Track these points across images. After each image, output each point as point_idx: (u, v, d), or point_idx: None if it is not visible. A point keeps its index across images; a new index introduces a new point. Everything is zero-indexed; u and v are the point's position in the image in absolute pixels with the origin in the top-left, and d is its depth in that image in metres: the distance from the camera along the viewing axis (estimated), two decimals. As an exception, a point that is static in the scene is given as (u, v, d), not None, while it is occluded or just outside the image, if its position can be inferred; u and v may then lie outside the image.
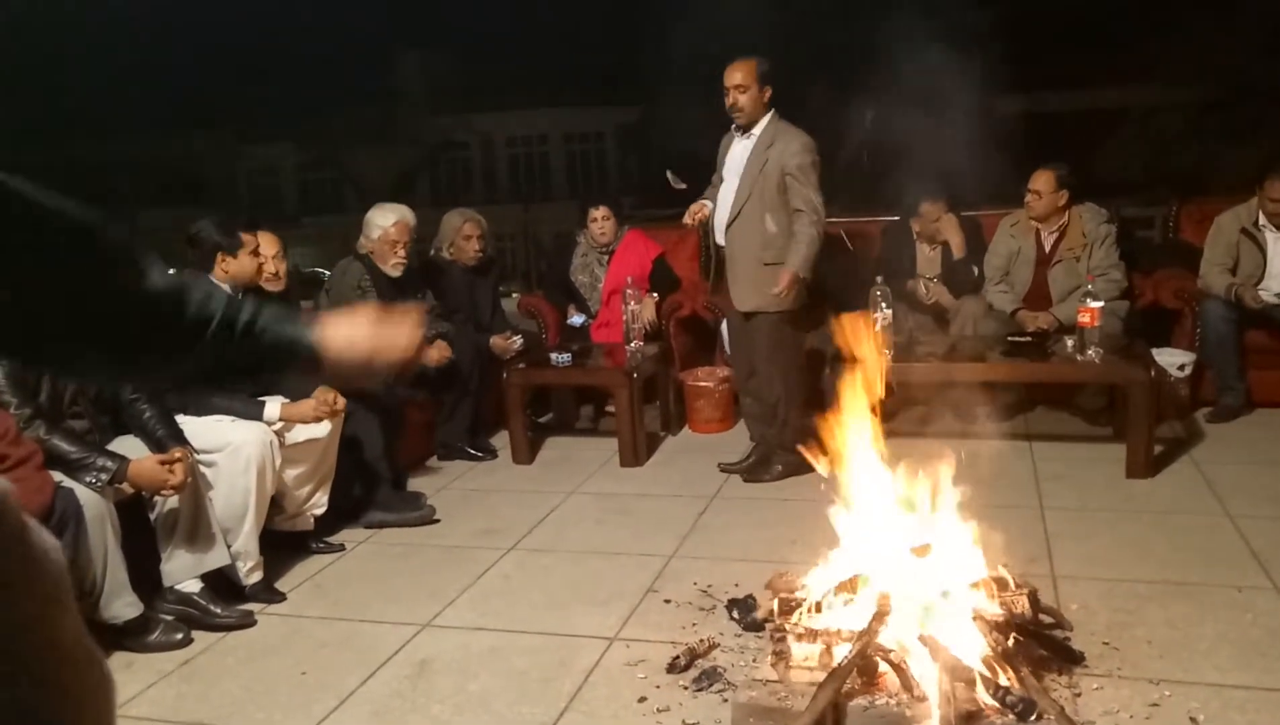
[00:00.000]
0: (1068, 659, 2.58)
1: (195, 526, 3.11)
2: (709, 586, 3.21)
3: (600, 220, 5.27)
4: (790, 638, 2.46)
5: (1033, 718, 2.20)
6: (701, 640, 2.77)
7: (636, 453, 4.59)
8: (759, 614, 2.86)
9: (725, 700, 2.49)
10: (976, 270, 4.93)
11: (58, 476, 2.77)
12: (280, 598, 3.33)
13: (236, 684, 2.79)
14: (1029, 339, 4.52)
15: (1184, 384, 4.75)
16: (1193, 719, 2.33)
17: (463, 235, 4.99)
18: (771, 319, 4.10)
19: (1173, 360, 4.73)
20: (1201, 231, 4.99)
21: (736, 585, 3.17)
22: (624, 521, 3.91)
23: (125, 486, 2.92)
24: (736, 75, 3.90)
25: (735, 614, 2.94)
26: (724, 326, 5.03)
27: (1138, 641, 2.70)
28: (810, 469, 4.09)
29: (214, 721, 2.60)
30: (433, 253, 5.06)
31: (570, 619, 3.06)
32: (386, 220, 4.46)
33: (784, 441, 4.13)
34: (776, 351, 4.13)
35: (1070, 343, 4.25)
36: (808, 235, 3.91)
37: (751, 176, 3.96)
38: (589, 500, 4.19)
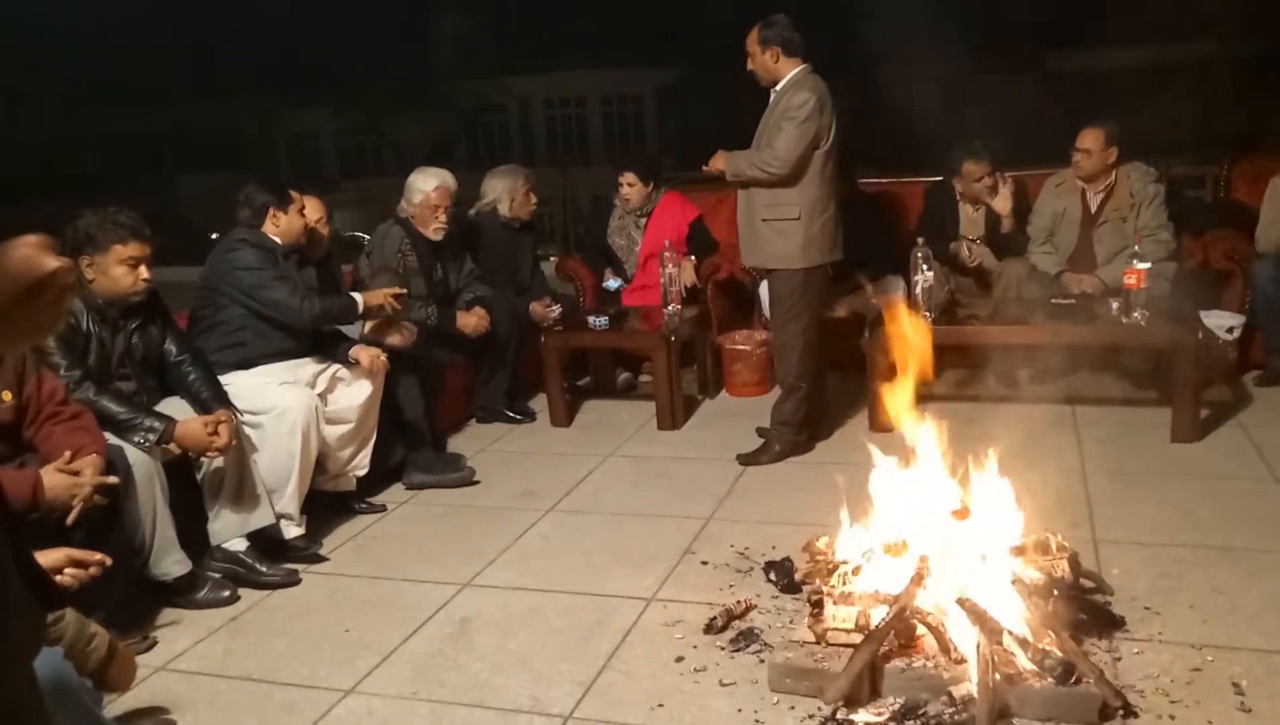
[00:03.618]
0: (1108, 623, 2.56)
1: (240, 487, 3.18)
2: (746, 548, 3.22)
3: (626, 186, 5.25)
4: (828, 600, 2.47)
5: (1072, 681, 2.20)
6: (738, 602, 2.79)
7: (674, 416, 4.60)
8: (796, 576, 2.87)
9: (762, 661, 2.51)
10: (1025, 238, 4.84)
11: (107, 436, 2.83)
12: (321, 558, 3.40)
13: (282, 640, 2.86)
14: (1073, 302, 4.44)
15: (1233, 347, 4.65)
16: (1235, 684, 2.31)
17: (522, 191, 5.03)
18: (784, 277, 3.97)
19: (1221, 323, 4.62)
20: (1254, 191, 4.85)
21: (774, 548, 3.17)
22: (661, 484, 3.93)
23: (172, 447, 2.98)
24: (747, 43, 3.90)
25: (772, 576, 2.95)
26: (762, 289, 4.99)
27: (1180, 606, 2.67)
28: (810, 448, 4.10)
29: (261, 676, 2.67)
30: (473, 213, 5.07)
31: (608, 580, 3.09)
32: (428, 185, 4.48)
33: (784, 416, 4.08)
34: (789, 315, 4.00)
35: (1116, 305, 4.17)
36: (756, 160, 3.82)
37: (760, 131, 3.94)
38: (626, 463, 4.21)
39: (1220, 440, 3.98)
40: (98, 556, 2.06)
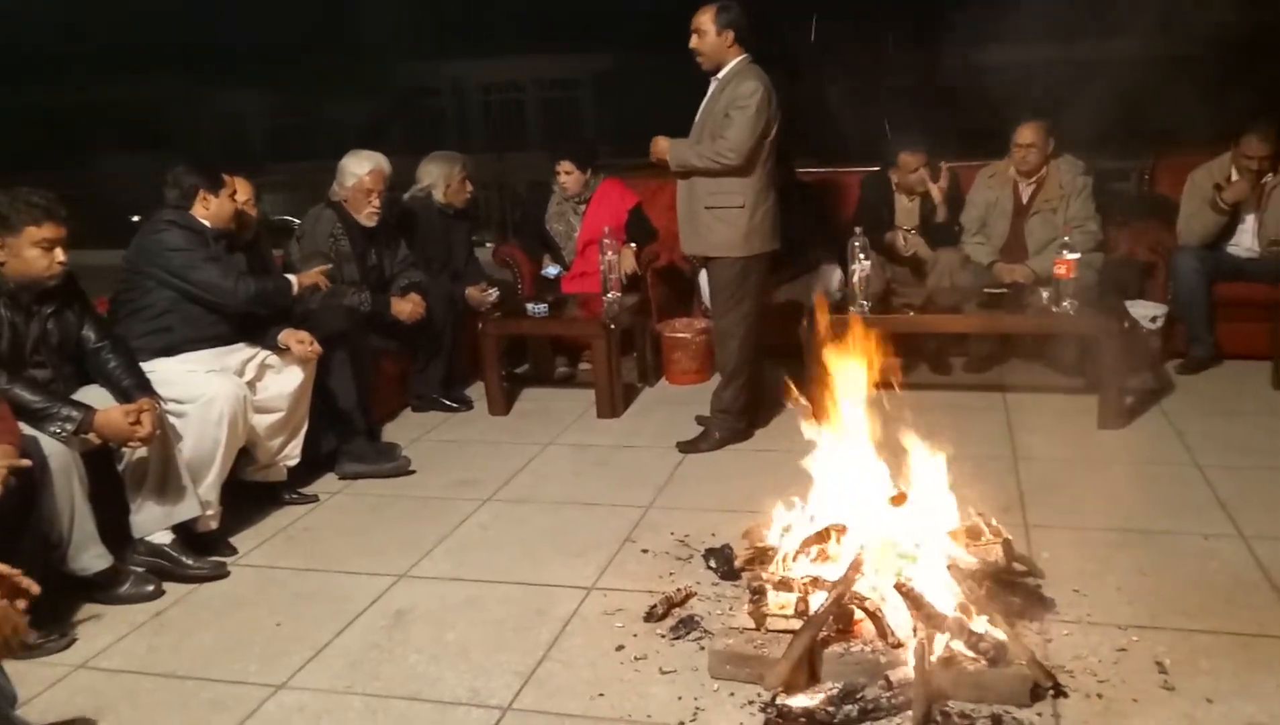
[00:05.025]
0: (1039, 606, 2.62)
1: (164, 477, 3.07)
2: (686, 536, 3.22)
3: (564, 174, 5.20)
4: (767, 586, 2.47)
5: (1004, 663, 2.24)
6: (679, 589, 2.79)
7: (614, 404, 4.58)
8: (736, 563, 2.88)
9: (702, 648, 2.51)
10: (958, 229, 4.93)
11: (22, 426, 2.71)
12: (233, 550, 3.30)
13: (210, 636, 2.78)
14: (1005, 291, 4.53)
15: (1156, 336, 4.79)
16: (1159, 663, 2.37)
17: (458, 179, 4.96)
18: (726, 265, 3.96)
19: (1145, 312, 4.75)
20: (1177, 185, 4.99)
21: (713, 535, 3.18)
22: (601, 472, 3.91)
23: (91, 437, 2.87)
24: (696, 20, 3.86)
25: (712, 563, 2.95)
26: (701, 277, 4.99)
27: (1107, 588, 2.74)
28: (749, 435, 4.12)
29: (187, 673, 2.59)
30: (407, 197, 4.98)
31: (547, 569, 3.07)
32: (361, 168, 4.37)
33: (724, 403, 4.09)
34: (730, 303, 3.99)
35: (1046, 294, 4.26)
36: (707, 152, 3.80)
37: (703, 118, 3.91)
38: (566, 451, 4.18)
39: (1144, 427, 4.09)
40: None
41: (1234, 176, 4.74)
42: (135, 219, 3.63)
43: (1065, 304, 4.11)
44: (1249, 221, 4.76)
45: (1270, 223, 4.69)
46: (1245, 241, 4.78)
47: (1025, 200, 4.78)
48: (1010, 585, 2.60)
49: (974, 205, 4.90)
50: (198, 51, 27.70)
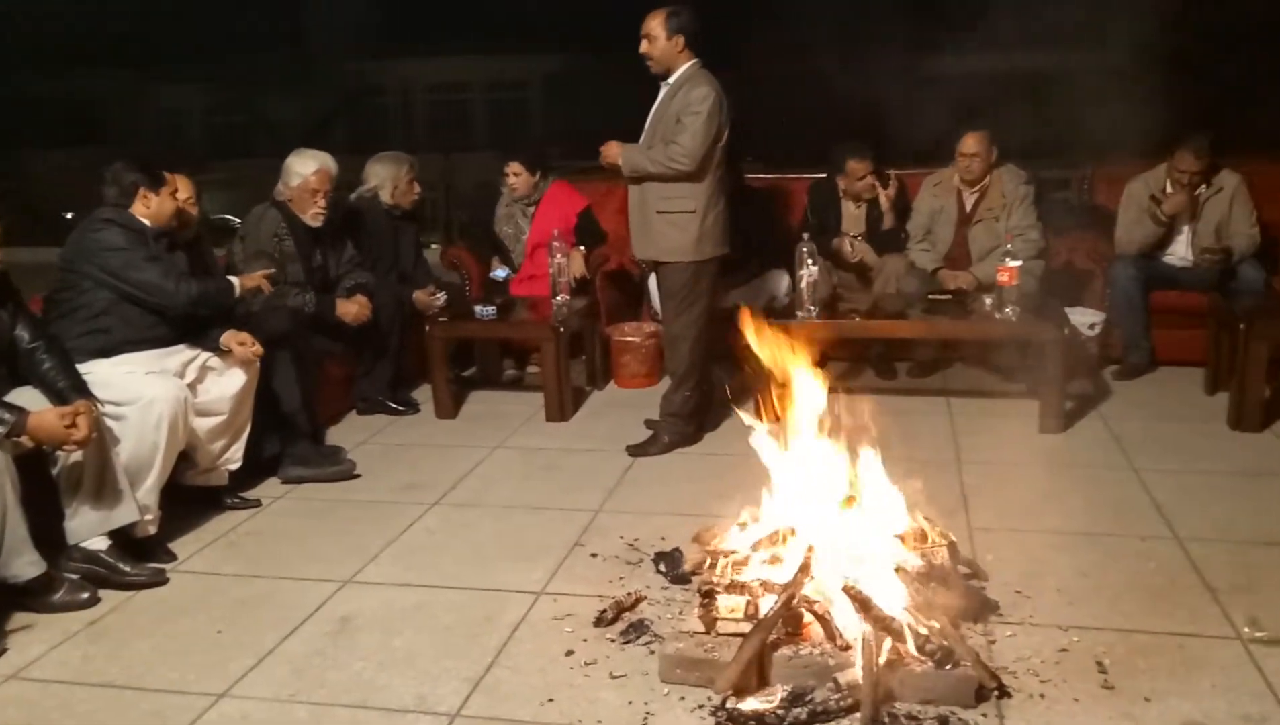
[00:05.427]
0: (983, 608, 2.66)
1: (101, 482, 2.98)
2: (636, 540, 3.22)
3: (513, 176, 5.18)
4: (717, 590, 2.48)
5: (950, 665, 2.27)
6: (628, 594, 2.78)
7: (562, 408, 4.56)
8: (686, 567, 2.88)
9: (652, 652, 2.50)
10: (904, 236, 5.01)
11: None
12: (172, 556, 3.22)
13: (148, 644, 2.70)
14: (949, 297, 4.61)
15: (1094, 342, 4.91)
16: (1099, 663, 2.43)
17: (406, 180, 4.91)
18: (678, 270, 3.97)
19: (1084, 319, 4.87)
20: (1115, 194, 5.13)
21: (663, 539, 3.18)
22: (550, 476, 3.89)
23: (24, 440, 2.77)
24: (646, 25, 3.86)
25: (662, 567, 2.95)
26: (651, 281, 5.00)
27: (1049, 590, 2.80)
28: (698, 439, 4.15)
29: (124, 682, 2.52)
30: (353, 197, 4.91)
31: (496, 574, 3.04)
32: (307, 167, 4.30)
33: (674, 407, 4.11)
34: (681, 307, 4.01)
35: (989, 301, 4.35)
36: (660, 157, 3.81)
37: (655, 123, 3.92)
38: (514, 455, 4.15)
39: (1083, 431, 4.19)
40: None
41: (1169, 188, 4.88)
42: (69, 216, 3.52)
43: (1007, 310, 4.19)
44: (1184, 232, 4.90)
45: (1204, 232, 4.83)
46: (1180, 251, 4.92)
47: (969, 208, 4.87)
48: (955, 588, 2.63)
49: (919, 213, 4.98)
50: (137, 46, 27.00)
